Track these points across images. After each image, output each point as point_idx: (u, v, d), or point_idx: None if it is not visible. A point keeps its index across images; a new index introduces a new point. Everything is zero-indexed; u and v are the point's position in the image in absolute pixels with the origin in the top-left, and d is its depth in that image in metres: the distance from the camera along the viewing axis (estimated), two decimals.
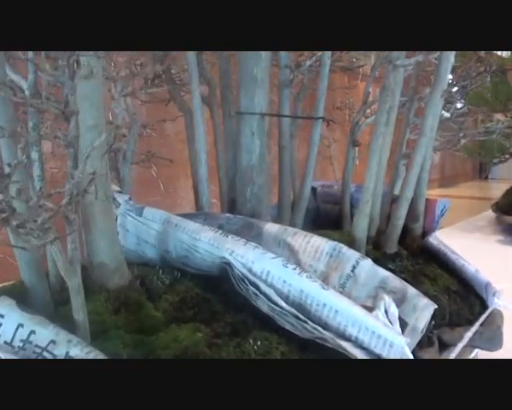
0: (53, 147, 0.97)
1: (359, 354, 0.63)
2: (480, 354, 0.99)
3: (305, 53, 1.14)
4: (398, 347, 0.64)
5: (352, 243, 0.92)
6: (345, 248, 0.80)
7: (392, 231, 1.03)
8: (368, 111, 1.23)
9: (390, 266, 0.94)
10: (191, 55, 0.95)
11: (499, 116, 2.74)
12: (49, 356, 0.56)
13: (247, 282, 0.71)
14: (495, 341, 0.95)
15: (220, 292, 0.76)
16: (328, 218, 1.25)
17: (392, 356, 0.63)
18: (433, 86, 0.98)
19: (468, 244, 2.22)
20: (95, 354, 0.56)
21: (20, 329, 0.59)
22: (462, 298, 0.95)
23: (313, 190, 1.26)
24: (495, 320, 0.97)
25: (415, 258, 1.02)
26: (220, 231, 0.78)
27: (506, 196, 3.17)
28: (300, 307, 0.68)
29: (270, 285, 0.70)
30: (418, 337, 0.73)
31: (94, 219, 0.71)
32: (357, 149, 1.22)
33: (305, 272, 0.70)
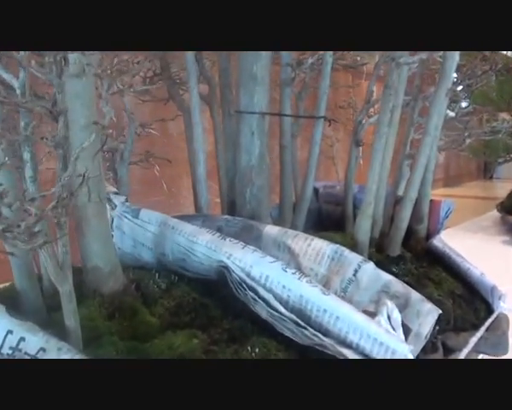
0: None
1: None
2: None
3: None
4: (401, 354, 0.62)
5: (354, 246, 0.91)
6: (346, 252, 0.78)
7: (396, 234, 1.01)
8: (371, 110, 1.20)
9: (393, 269, 0.93)
10: (189, 53, 0.93)
11: (504, 115, 2.71)
12: None
13: (246, 286, 0.69)
14: (500, 346, 0.93)
15: (218, 297, 0.74)
16: (330, 219, 1.23)
17: None
18: (438, 85, 0.96)
19: (472, 245, 2.20)
20: None
21: (9, 335, 0.56)
22: (467, 302, 0.93)
23: (315, 190, 1.24)
24: (501, 325, 0.95)
25: (419, 261, 1.00)
26: (218, 234, 0.76)
27: (511, 196, 3.15)
28: (300, 313, 0.65)
29: (269, 290, 0.68)
30: (422, 343, 0.71)
31: (87, 222, 0.69)
32: (361, 148, 1.20)
33: (305, 277, 0.68)
